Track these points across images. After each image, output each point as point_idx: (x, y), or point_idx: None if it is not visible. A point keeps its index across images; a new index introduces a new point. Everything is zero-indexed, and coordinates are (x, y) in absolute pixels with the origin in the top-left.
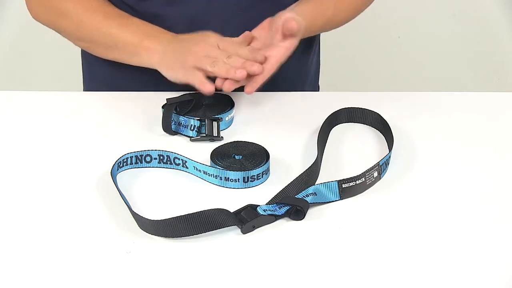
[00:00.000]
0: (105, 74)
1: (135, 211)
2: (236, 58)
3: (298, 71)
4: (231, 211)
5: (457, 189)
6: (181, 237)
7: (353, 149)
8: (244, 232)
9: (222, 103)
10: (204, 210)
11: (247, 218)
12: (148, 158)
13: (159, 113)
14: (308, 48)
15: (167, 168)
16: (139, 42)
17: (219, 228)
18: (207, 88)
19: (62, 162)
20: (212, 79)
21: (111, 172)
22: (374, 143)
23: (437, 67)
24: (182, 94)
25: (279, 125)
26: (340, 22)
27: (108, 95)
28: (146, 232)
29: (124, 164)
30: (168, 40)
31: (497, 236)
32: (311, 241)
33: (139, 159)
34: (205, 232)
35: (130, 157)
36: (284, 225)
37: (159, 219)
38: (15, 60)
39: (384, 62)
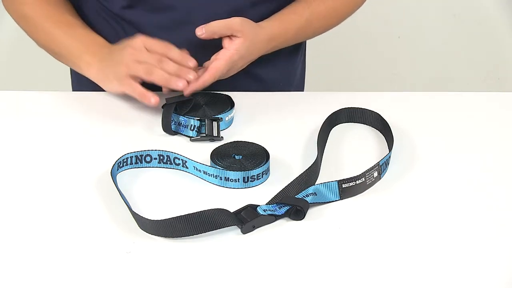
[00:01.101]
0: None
1: (135, 211)
2: (168, 62)
3: (285, 72)
4: (231, 211)
5: (457, 189)
6: (181, 237)
7: (353, 149)
8: (244, 232)
9: (222, 103)
10: (203, 210)
11: (247, 218)
12: (148, 158)
13: (159, 113)
14: (295, 50)
15: (167, 168)
16: (79, 56)
17: (219, 228)
18: (151, 101)
19: (62, 162)
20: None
21: (111, 172)
22: (374, 143)
23: (437, 67)
24: (182, 94)
25: (279, 125)
26: (318, 28)
27: (108, 95)
28: (146, 232)
29: (124, 164)
30: (105, 53)
31: (497, 236)
32: (311, 241)
33: (139, 159)
34: (205, 232)
35: (130, 157)
36: (284, 225)
37: (159, 219)
38: (15, 60)
39: (384, 62)
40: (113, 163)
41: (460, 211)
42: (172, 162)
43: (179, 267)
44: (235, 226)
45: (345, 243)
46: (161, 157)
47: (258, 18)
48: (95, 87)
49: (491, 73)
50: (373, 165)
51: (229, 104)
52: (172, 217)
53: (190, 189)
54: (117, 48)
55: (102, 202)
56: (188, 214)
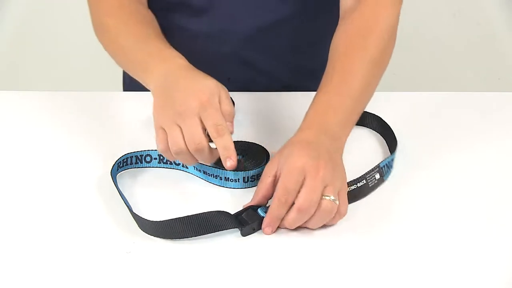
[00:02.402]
0: None
1: (135, 211)
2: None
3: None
4: (232, 212)
5: (457, 189)
6: (180, 238)
7: (352, 151)
8: (244, 234)
9: None
10: (204, 212)
11: (248, 221)
12: (148, 158)
13: None
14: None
15: (167, 168)
16: (144, 69)
17: (219, 231)
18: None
19: (62, 162)
20: None
21: (111, 172)
22: (375, 146)
23: (437, 67)
24: None
25: (279, 125)
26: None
27: (108, 95)
28: (146, 233)
29: (124, 164)
30: (171, 81)
31: (500, 237)
32: (311, 241)
33: (139, 159)
34: (204, 234)
35: (130, 157)
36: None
37: (158, 220)
38: (15, 60)
39: None
40: (113, 162)
41: (460, 211)
42: (172, 162)
43: (179, 267)
44: (236, 228)
45: (345, 243)
46: (161, 157)
47: (300, 24)
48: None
49: (491, 73)
50: (373, 167)
51: None
52: (172, 219)
53: (190, 189)
54: (185, 85)
55: (102, 202)
56: (188, 215)
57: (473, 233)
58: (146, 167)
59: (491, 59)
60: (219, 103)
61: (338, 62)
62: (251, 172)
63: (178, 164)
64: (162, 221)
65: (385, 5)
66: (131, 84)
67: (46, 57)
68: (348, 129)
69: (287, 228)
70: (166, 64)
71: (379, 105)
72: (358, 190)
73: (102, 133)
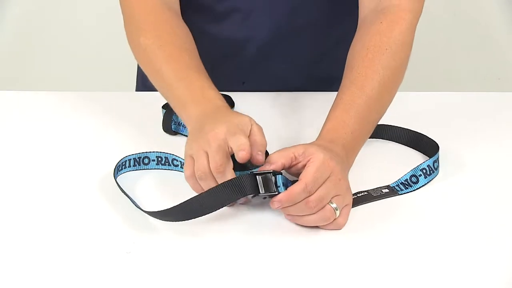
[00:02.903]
0: None
1: (138, 213)
2: None
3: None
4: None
5: (456, 189)
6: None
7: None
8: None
9: None
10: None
11: (264, 187)
12: (146, 160)
13: (159, 113)
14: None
15: (166, 169)
16: (183, 107)
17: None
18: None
19: (62, 162)
20: None
21: (114, 177)
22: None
23: (437, 67)
24: None
25: (279, 125)
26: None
27: (108, 95)
28: (166, 220)
29: (123, 167)
30: (204, 113)
31: (500, 237)
32: (311, 241)
33: (137, 162)
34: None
35: (129, 159)
36: (286, 226)
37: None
38: (15, 60)
39: None
40: (113, 163)
41: (460, 211)
42: (171, 163)
43: (179, 267)
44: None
45: (345, 244)
46: (159, 159)
47: (318, 13)
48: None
49: (491, 73)
50: (383, 185)
51: (230, 104)
52: (198, 195)
53: (191, 190)
54: (218, 119)
55: (102, 202)
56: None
57: (473, 233)
58: (145, 169)
59: (491, 59)
60: (250, 135)
61: (354, 74)
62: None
63: (177, 165)
64: (187, 200)
65: (403, 21)
66: (144, 84)
67: (46, 57)
68: (362, 143)
69: (288, 227)
70: (205, 105)
71: None
72: (359, 198)
73: (102, 133)
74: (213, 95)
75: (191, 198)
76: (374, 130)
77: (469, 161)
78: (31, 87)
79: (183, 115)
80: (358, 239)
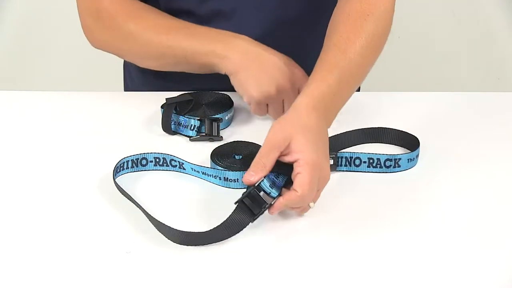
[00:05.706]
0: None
1: (138, 213)
2: None
3: None
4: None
5: (456, 189)
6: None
7: None
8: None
9: (221, 103)
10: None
11: (256, 207)
12: (144, 161)
13: (159, 113)
14: None
15: (163, 170)
16: (210, 51)
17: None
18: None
19: (62, 162)
20: None
21: (113, 180)
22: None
23: (437, 67)
24: (181, 94)
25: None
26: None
27: (108, 95)
28: (166, 236)
29: (121, 169)
30: (243, 48)
31: (500, 237)
32: (310, 241)
33: (135, 163)
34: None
35: (127, 161)
36: (286, 226)
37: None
38: (15, 60)
39: (384, 62)
40: (113, 162)
41: (459, 211)
42: (169, 164)
43: (179, 267)
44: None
45: (343, 243)
46: (157, 160)
47: (306, 7)
48: (149, 89)
49: (491, 73)
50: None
51: (229, 104)
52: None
53: (191, 190)
54: (266, 56)
55: (102, 202)
56: (216, 227)
57: (472, 233)
58: (143, 170)
59: (491, 59)
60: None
61: (337, 37)
62: None
63: (175, 166)
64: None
65: None
66: (132, 85)
67: (46, 57)
68: (342, 106)
69: (286, 226)
70: (237, 41)
71: (380, 105)
72: None
73: (101, 133)
74: (233, 33)
75: (195, 233)
76: (374, 133)
77: (469, 161)
78: (30, 87)
79: (217, 62)
80: (358, 239)
